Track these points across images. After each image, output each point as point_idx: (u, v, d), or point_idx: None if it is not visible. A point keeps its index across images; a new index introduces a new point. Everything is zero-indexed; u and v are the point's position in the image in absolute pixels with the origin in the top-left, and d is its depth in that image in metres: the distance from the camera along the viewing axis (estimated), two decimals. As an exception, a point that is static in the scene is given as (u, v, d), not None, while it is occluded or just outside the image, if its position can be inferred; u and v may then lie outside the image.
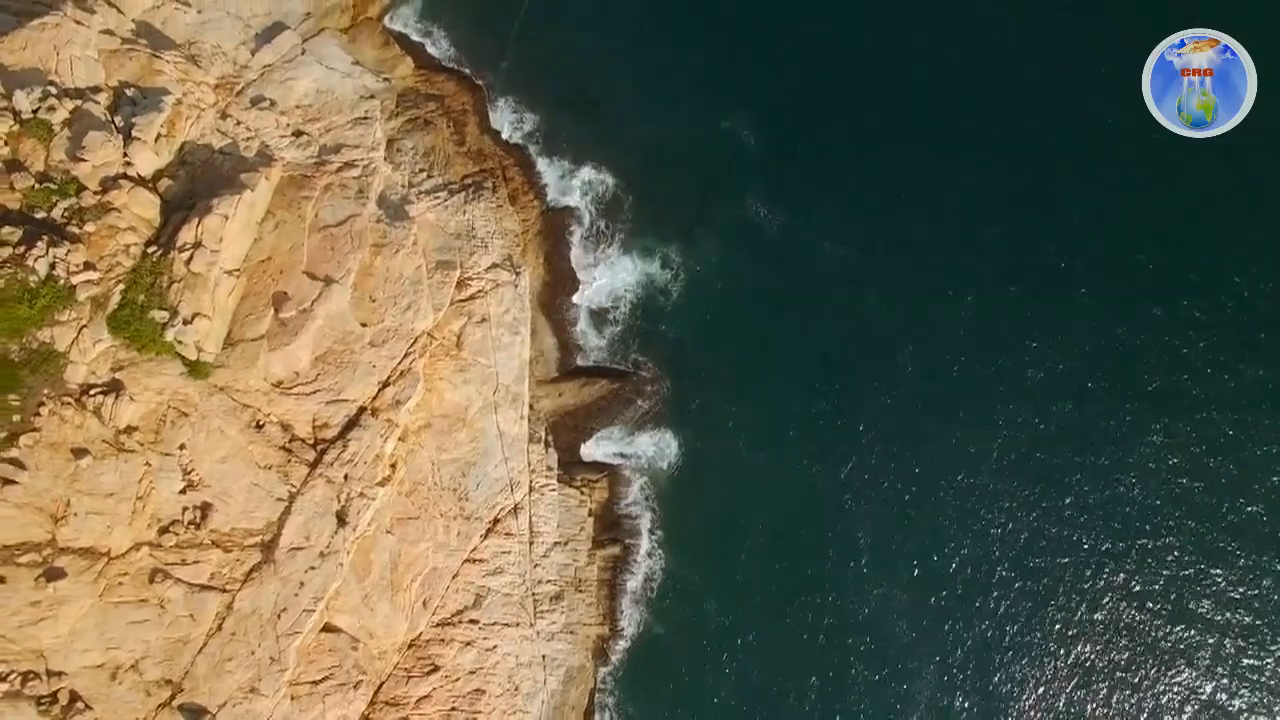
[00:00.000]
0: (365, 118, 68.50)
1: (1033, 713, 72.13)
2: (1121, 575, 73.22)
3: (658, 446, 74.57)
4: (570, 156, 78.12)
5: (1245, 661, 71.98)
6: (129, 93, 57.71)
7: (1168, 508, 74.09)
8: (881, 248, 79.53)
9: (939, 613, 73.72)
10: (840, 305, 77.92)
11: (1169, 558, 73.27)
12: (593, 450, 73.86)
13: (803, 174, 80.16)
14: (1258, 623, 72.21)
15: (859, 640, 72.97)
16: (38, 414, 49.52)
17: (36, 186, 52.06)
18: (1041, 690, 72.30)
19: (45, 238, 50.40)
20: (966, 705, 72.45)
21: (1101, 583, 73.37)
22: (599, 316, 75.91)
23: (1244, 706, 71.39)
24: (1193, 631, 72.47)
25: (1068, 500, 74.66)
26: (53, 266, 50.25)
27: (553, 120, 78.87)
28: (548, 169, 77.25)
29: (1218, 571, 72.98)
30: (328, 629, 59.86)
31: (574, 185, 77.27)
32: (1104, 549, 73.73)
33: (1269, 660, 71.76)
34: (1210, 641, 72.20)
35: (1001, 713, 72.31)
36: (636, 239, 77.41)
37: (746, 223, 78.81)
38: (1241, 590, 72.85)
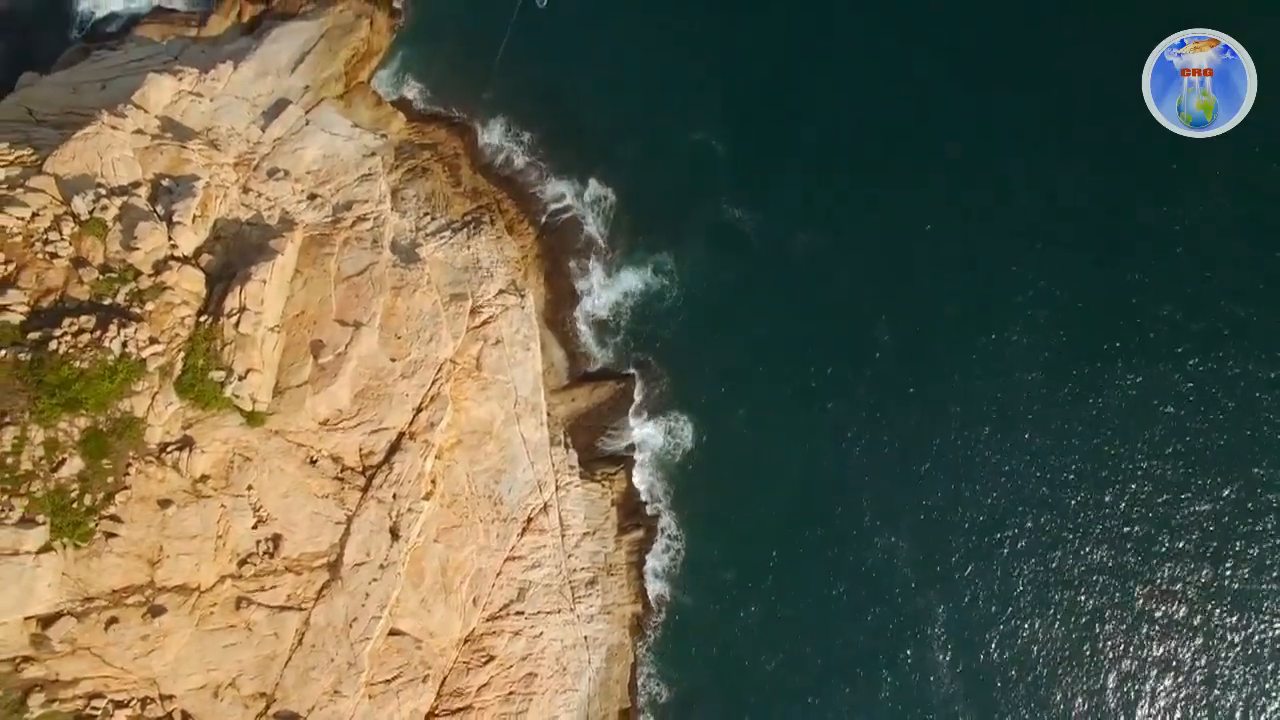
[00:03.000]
0: (369, 174, 73.63)
1: (1035, 645, 78.16)
2: (1111, 518, 79.38)
3: (667, 435, 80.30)
4: (556, 182, 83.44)
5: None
6: (164, 183, 63.22)
7: (1151, 450, 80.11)
8: (850, 231, 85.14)
9: (943, 558, 79.44)
10: (817, 288, 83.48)
11: (1157, 498, 79.30)
12: (609, 446, 79.73)
13: (769, 175, 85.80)
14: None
15: (871, 590, 78.70)
16: (127, 473, 55.15)
17: (100, 277, 57.55)
18: (1040, 623, 78.54)
19: (115, 321, 55.96)
20: (976, 637, 78.33)
21: (1089, 522, 79.65)
22: (600, 325, 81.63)
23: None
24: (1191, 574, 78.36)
25: (1048, 445, 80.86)
26: (124, 345, 55.65)
27: (537, 150, 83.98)
28: (538, 196, 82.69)
29: (1206, 509, 79.09)
30: (393, 633, 65.48)
31: (563, 208, 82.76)
32: (1091, 495, 79.87)
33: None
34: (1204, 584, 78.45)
35: (1007, 641, 78.17)
36: (627, 251, 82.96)
37: (725, 225, 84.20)
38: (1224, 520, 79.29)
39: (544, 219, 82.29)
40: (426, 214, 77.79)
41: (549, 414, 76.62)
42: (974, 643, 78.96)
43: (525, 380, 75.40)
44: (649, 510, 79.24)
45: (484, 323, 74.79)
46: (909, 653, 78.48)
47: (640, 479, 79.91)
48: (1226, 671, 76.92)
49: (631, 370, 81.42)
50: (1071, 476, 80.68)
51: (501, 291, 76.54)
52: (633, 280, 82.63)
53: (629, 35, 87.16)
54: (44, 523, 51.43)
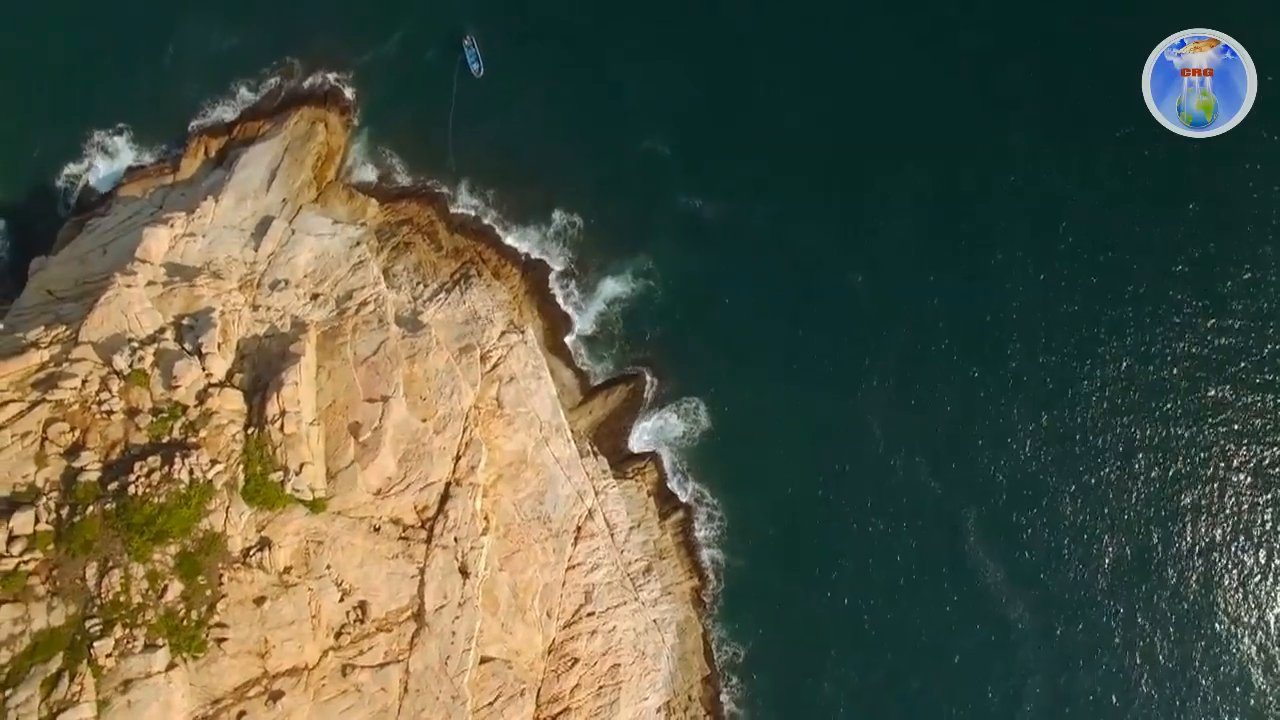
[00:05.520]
0: (360, 262, 79.12)
1: (1061, 524, 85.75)
2: (1103, 403, 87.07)
3: (683, 419, 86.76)
4: (526, 222, 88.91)
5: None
6: (185, 322, 69.05)
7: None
8: (806, 195, 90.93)
9: (962, 464, 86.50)
10: (786, 252, 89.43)
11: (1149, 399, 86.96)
12: (633, 443, 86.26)
13: (716, 163, 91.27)
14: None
15: (901, 508, 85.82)
16: (221, 583, 61.50)
17: (154, 419, 63.70)
18: (1060, 503, 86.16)
19: (177, 454, 62.06)
20: (1008, 529, 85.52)
21: (1081, 407, 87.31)
22: (597, 339, 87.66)
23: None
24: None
25: (1032, 344, 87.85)
26: (191, 472, 61.59)
27: (503, 200, 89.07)
28: (513, 240, 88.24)
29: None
30: (484, 660, 71.84)
31: (538, 243, 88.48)
32: (1078, 385, 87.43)
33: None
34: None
35: (1036, 527, 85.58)
36: (605, 265, 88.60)
37: (688, 217, 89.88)
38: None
39: (524, 257, 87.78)
40: (419, 282, 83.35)
41: (572, 430, 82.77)
42: (1007, 535, 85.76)
43: (544, 406, 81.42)
44: (683, 491, 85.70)
45: (495, 365, 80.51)
46: (950, 556, 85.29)
47: (669, 465, 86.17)
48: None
49: (637, 370, 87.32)
50: (1050, 366, 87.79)
51: (504, 333, 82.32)
52: (617, 289, 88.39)
53: (559, 79, 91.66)
54: (164, 644, 58.12)
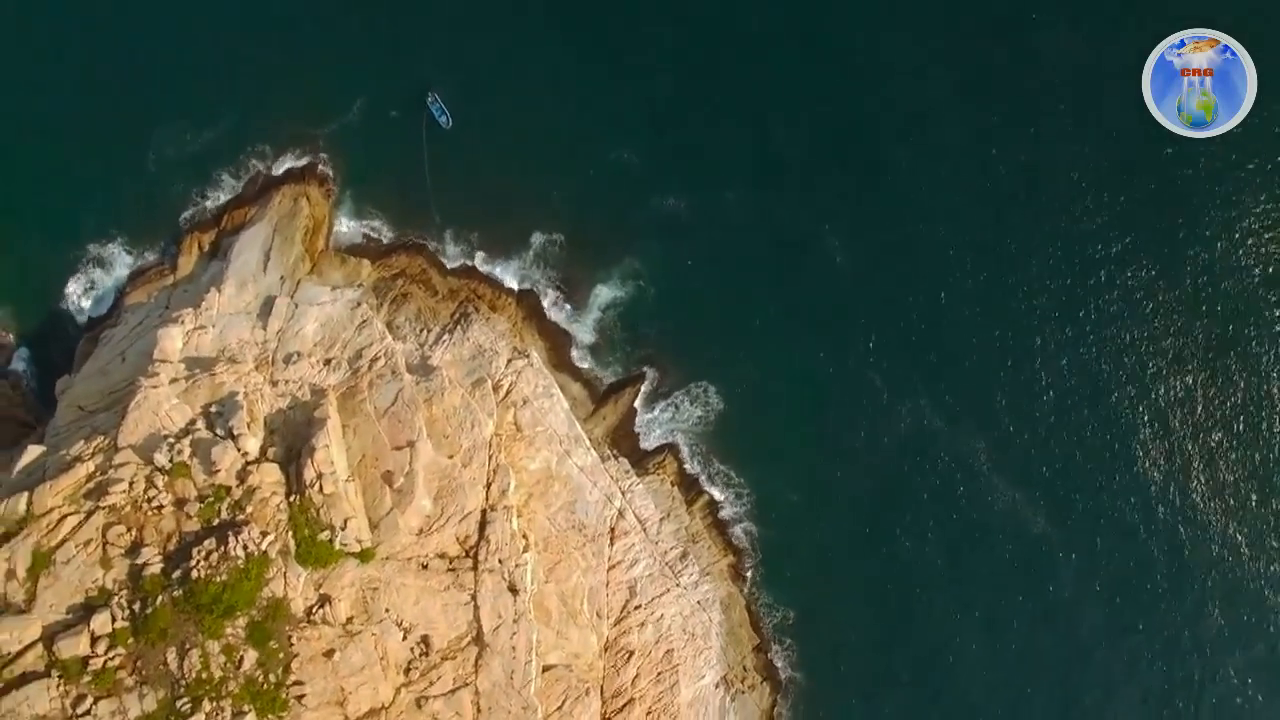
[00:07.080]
0: (364, 321, 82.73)
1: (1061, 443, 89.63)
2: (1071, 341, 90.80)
3: (696, 405, 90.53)
4: (513, 253, 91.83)
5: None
6: (213, 409, 72.97)
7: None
8: (783, 184, 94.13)
9: (966, 402, 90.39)
10: (761, 229, 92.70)
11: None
12: (649, 440, 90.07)
13: (682, 160, 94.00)
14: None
15: (913, 450, 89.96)
16: (291, 644, 65.79)
17: (202, 505, 67.85)
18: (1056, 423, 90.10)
19: (229, 533, 66.28)
20: (1018, 458, 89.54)
21: (1049, 333, 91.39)
22: (599, 346, 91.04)
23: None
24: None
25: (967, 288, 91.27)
26: (245, 547, 65.65)
27: (488, 234, 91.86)
28: (501, 271, 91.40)
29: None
30: (546, 669, 76.34)
31: (528, 269, 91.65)
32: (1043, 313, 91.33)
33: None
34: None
35: (1048, 454, 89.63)
36: (595, 275, 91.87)
37: (666, 216, 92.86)
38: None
39: (515, 286, 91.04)
40: (422, 329, 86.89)
41: (590, 439, 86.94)
42: (1017, 461, 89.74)
43: (559, 421, 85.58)
44: (705, 474, 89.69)
45: (507, 392, 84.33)
46: (969, 489, 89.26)
47: (687, 452, 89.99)
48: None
49: (642, 371, 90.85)
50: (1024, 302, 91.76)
51: (510, 360, 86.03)
52: (610, 295, 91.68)
53: (524, 113, 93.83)
54: (249, 710, 62.64)
